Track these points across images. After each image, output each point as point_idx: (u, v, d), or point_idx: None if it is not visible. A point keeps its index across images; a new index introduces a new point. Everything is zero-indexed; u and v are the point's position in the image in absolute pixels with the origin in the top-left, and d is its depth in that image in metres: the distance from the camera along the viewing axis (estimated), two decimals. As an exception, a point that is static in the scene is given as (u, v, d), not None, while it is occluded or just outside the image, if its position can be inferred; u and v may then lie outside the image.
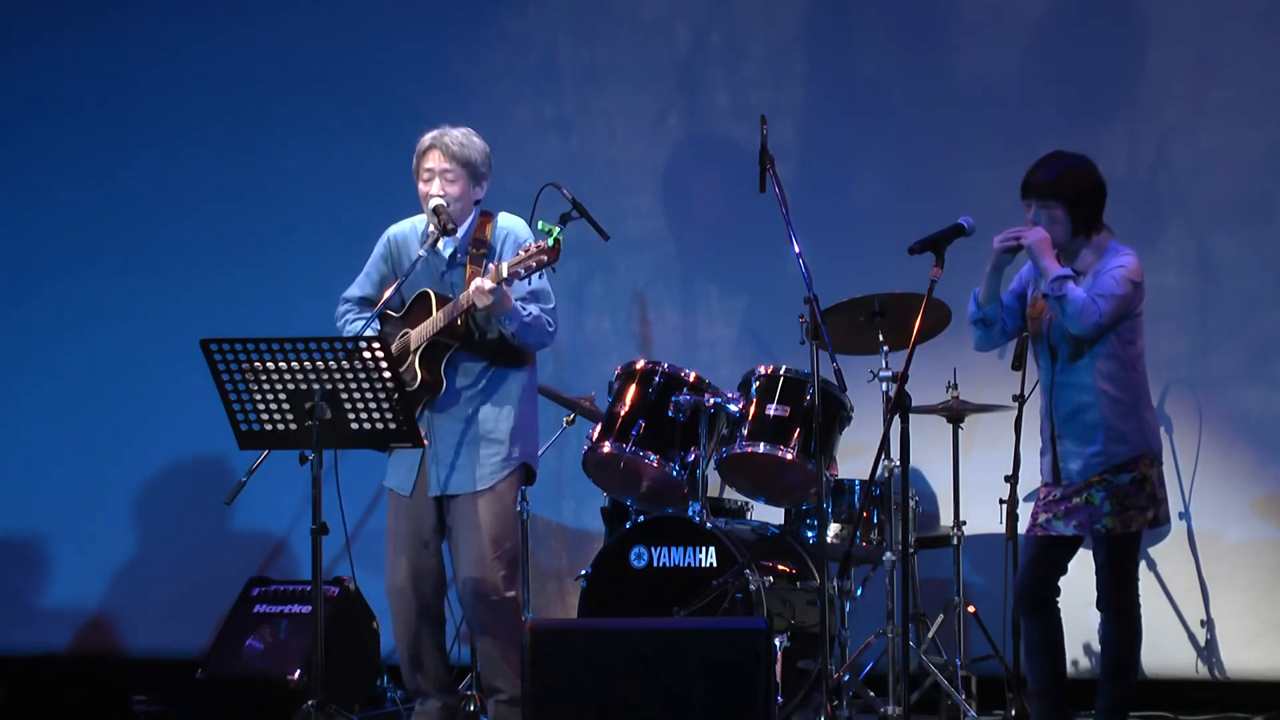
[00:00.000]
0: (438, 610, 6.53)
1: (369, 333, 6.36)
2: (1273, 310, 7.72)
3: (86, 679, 8.63)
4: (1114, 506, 6.00)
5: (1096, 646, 6.25)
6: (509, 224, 6.52)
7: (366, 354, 5.87)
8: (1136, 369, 6.07)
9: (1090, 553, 6.12)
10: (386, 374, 5.89)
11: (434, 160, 6.44)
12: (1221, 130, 7.76)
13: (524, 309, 6.34)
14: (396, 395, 5.92)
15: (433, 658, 6.52)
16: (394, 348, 6.31)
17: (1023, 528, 6.45)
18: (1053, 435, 6.10)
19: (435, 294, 6.41)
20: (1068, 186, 6.02)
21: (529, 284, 6.31)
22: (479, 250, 6.44)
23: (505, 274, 6.17)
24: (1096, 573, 6.09)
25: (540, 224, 6.22)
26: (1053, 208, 6.03)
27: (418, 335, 6.38)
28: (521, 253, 6.18)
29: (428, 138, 6.48)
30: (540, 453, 6.72)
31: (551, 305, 6.47)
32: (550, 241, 6.14)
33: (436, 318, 6.35)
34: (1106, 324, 5.95)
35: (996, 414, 7.17)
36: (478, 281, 6.21)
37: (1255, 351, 7.75)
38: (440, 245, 6.45)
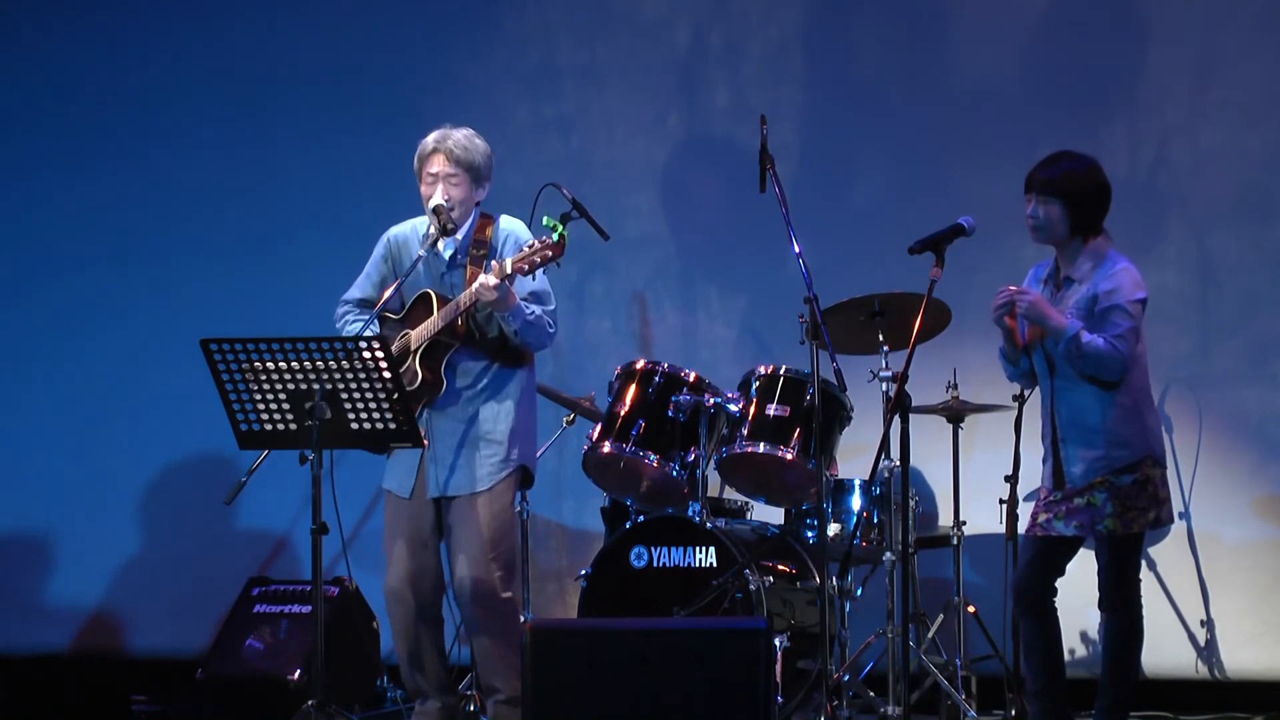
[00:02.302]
0: (436, 611, 6.52)
1: (368, 333, 6.35)
2: (1273, 310, 7.72)
3: (86, 679, 8.62)
4: (1116, 508, 6.00)
5: (1097, 645, 6.25)
6: (510, 226, 6.51)
7: (366, 354, 5.85)
8: (1137, 372, 6.07)
9: (1092, 552, 6.13)
10: (386, 374, 5.88)
11: (438, 165, 6.42)
12: (1221, 130, 7.76)
13: (526, 308, 6.34)
14: (397, 395, 5.91)
15: (432, 658, 6.51)
16: (394, 348, 6.30)
17: (1022, 527, 6.45)
18: (1054, 440, 6.10)
19: (436, 294, 6.41)
20: (1067, 184, 6.03)
21: (533, 280, 6.31)
22: (479, 251, 6.43)
23: (510, 270, 6.16)
24: (1099, 573, 6.09)
25: (545, 219, 6.20)
26: (1050, 204, 6.04)
27: (418, 335, 6.38)
28: (526, 249, 6.18)
29: (430, 140, 6.46)
30: (540, 453, 6.70)
31: (552, 306, 6.47)
32: (555, 237, 6.14)
33: (436, 317, 6.34)
34: (1131, 358, 5.96)
35: (996, 414, 7.17)
36: (483, 278, 6.20)
37: (1255, 351, 7.74)
38: (440, 246, 6.45)
